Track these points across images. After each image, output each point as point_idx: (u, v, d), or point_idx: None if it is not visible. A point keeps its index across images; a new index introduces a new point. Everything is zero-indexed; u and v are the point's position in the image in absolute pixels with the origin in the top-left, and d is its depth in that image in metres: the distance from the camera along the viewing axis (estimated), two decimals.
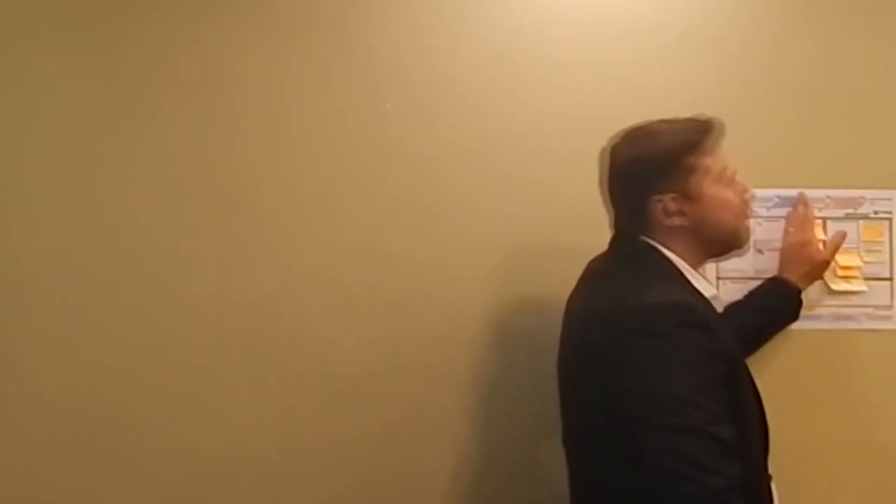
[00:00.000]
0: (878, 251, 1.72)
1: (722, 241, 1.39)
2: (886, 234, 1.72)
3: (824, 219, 1.71)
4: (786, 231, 1.70)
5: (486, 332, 1.71)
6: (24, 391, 1.68)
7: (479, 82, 1.72)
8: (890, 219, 1.72)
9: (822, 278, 1.69)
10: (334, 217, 1.71)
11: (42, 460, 1.67)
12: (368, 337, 1.70)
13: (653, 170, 1.34)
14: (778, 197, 1.71)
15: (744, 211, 1.39)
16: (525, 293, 1.69)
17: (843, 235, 1.68)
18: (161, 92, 1.71)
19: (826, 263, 1.66)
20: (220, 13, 1.71)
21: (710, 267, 1.69)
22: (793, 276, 1.65)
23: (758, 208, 1.70)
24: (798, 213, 1.69)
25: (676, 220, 1.34)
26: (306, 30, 1.72)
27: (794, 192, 1.71)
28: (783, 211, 1.71)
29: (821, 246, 1.67)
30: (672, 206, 1.33)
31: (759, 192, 1.70)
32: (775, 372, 1.68)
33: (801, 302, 1.65)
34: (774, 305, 1.65)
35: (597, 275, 1.40)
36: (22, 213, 1.70)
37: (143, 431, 1.68)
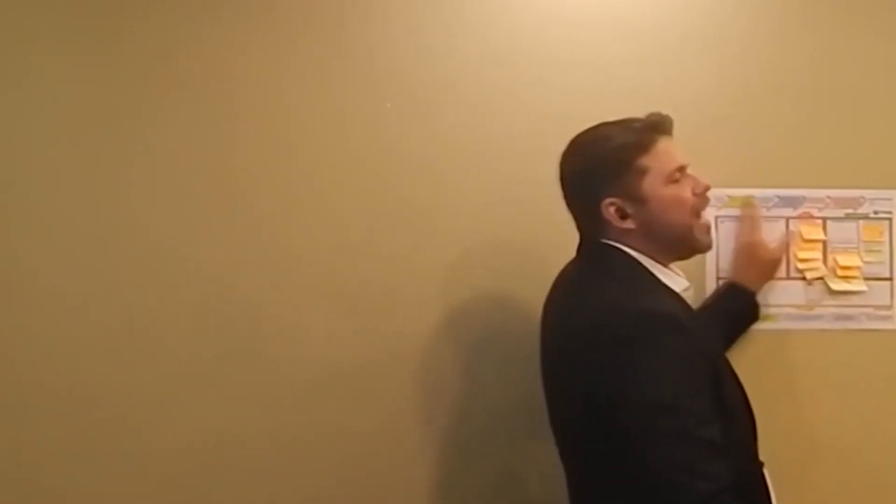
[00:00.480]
0: (878, 251, 1.72)
1: (676, 242, 1.35)
2: (886, 234, 1.72)
3: (824, 219, 1.71)
4: (736, 234, 1.68)
5: (486, 332, 1.71)
6: (24, 391, 1.68)
7: (479, 82, 1.72)
8: (890, 219, 1.72)
9: (773, 278, 1.67)
10: (334, 217, 1.71)
11: (42, 460, 1.67)
12: (367, 336, 1.70)
13: (602, 173, 1.33)
14: (778, 197, 1.71)
15: (696, 207, 1.36)
16: (525, 293, 1.68)
17: (792, 234, 1.68)
18: (161, 92, 1.71)
19: (777, 262, 1.66)
20: (220, 13, 1.71)
21: (711, 267, 1.69)
22: (747, 279, 1.64)
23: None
24: (747, 215, 1.68)
25: (628, 223, 1.32)
26: (306, 30, 1.72)
27: (794, 193, 1.71)
28: (783, 211, 1.71)
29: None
30: (622, 208, 1.32)
31: (759, 193, 1.71)
32: (775, 372, 1.68)
33: (757, 303, 1.64)
34: (733, 309, 1.63)
35: (569, 283, 1.39)
36: (22, 213, 1.69)
37: (142, 430, 1.68)
